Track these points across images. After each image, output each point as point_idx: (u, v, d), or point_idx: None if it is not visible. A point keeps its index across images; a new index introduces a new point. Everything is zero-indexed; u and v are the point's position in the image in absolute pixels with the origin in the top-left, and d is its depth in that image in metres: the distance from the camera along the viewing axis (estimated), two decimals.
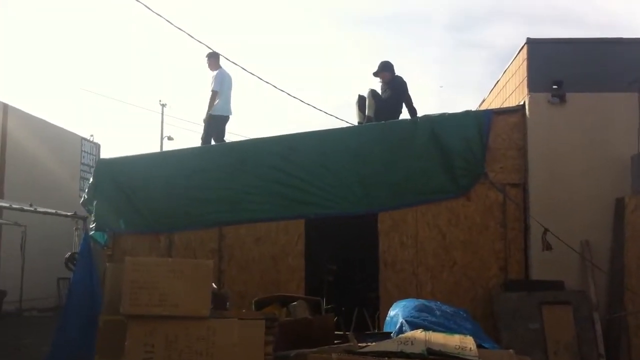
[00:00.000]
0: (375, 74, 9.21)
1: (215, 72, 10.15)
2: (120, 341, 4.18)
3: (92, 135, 26.07)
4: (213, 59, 10.33)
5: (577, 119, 7.70)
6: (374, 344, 4.54)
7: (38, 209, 9.17)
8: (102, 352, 4.66)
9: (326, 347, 4.45)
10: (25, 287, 14.35)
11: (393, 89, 8.99)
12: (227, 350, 3.96)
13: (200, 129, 10.42)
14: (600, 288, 7.31)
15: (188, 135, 66.97)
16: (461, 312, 5.63)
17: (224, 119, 10.10)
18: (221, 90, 10.02)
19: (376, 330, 7.49)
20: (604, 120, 7.68)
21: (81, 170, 24.79)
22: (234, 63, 10.42)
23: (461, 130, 7.72)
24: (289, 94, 11.16)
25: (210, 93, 10.03)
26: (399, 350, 4.22)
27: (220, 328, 4.00)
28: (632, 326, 7.01)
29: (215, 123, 9.88)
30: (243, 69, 10.46)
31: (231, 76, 10.34)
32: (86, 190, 8.12)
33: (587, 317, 7.11)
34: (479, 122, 7.76)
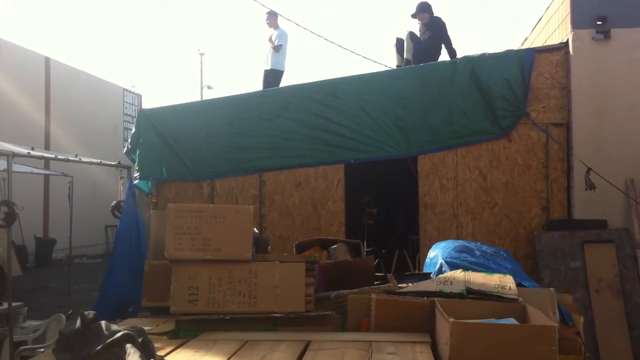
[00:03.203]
0: (414, 16, 9.06)
1: (277, 30, 10.77)
2: (165, 285, 4.31)
3: (133, 86, 26.38)
4: (273, 17, 10.93)
5: (622, 55, 7.48)
6: (413, 284, 4.58)
7: (83, 159, 9.37)
8: (148, 295, 4.83)
9: (366, 287, 4.52)
10: (75, 236, 14.84)
11: (432, 31, 8.84)
12: (269, 291, 4.05)
13: (239, 77, 10.78)
14: None
15: (227, 83, 66.92)
16: (501, 252, 5.61)
17: (281, 74, 10.59)
18: (284, 48, 10.64)
19: (417, 272, 7.58)
20: None
21: (124, 120, 25.23)
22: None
23: (502, 70, 7.58)
24: (326, 39, 11.19)
25: (271, 49, 10.61)
26: (438, 290, 4.25)
27: (262, 270, 4.09)
28: None
29: (275, 77, 10.37)
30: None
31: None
32: (129, 140, 8.28)
33: (630, 255, 7.04)
34: (521, 61, 7.59)
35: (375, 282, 4.95)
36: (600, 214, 7.31)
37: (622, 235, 7.13)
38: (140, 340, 3.28)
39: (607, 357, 6.64)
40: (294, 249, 5.59)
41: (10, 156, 7.47)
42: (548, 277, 6.97)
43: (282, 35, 10.70)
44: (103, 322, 3.49)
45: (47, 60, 21.07)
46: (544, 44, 8.61)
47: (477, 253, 5.31)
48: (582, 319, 4.47)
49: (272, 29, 10.88)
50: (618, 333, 6.75)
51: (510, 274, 4.61)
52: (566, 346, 3.91)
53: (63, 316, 6.22)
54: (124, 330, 3.36)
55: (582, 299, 6.71)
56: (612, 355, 6.66)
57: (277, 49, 10.55)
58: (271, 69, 10.51)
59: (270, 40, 10.70)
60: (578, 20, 7.59)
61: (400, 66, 8.83)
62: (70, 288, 13.64)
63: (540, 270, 7.09)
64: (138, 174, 7.99)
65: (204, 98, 30.62)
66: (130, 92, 26.08)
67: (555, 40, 8.21)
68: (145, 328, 3.70)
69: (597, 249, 7.07)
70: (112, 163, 9.00)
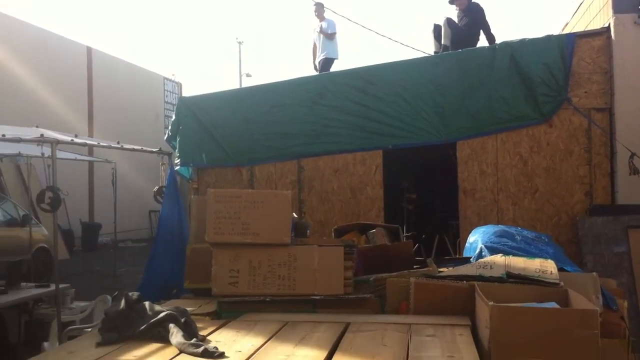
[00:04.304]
0: (451, 2, 8.99)
1: (326, 20, 11.47)
2: (206, 267, 4.39)
3: (173, 75, 26.73)
4: (321, 8, 11.62)
5: None
6: (452, 268, 4.58)
7: (125, 146, 9.56)
8: (190, 277, 4.95)
9: (405, 271, 4.54)
10: (119, 220, 15.19)
11: (470, 16, 8.75)
12: (308, 274, 4.10)
13: (276, 65, 11.22)
14: None
15: (265, 71, 67.19)
16: (543, 237, 5.56)
17: (333, 61, 11.25)
18: (334, 33, 11.31)
19: (456, 256, 7.56)
20: None
21: (165, 108, 25.58)
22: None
23: (542, 55, 7.47)
24: (363, 26, 11.53)
25: (322, 38, 11.30)
26: (477, 274, 4.24)
27: (301, 254, 4.13)
28: None
29: (329, 65, 10.94)
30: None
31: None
32: (169, 128, 8.40)
33: None
34: (561, 46, 7.48)
35: (415, 267, 4.95)
36: None
37: None
38: (183, 320, 3.37)
39: None
40: (333, 234, 5.63)
41: (54, 143, 7.67)
42: (591, 262, 6.88)
43: (332, 24, 11.33)
44: (147, 303, 3.58)
45: (89, 50, 21.47)
46: (585, 29, 8.45)
47: (518, 238, 5.27)
48: (626, 304, 4.41)
49: (320, 19, 11.49)
50: None
51: (552, 259, 4.57)
52: (610, 330, 3.87)
53: (109, 297, 6.40)
54: (167, 310, 3.45)
55: (627, 284, 6.60)
56: None
57: (331, 37, 11.17)
58: (325, 58, 11.04)
59: (321, 31, 11.27)
60: (619, 5, 7.47)
61: (438, 52, 8.78)
62: (115, 271, 13.97)
63: (583, 256, 7.00)
64: (179, 160, 8.11)
65: (243, 86, 30.84)
66: (170, 80, 26.42)
67: (596, 25, 8.08)
68: (188, 309, 3.79)
69: None
70: (154, 150, 9.15)
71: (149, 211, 22.66)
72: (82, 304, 7.96)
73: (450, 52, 8.29)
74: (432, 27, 9.04)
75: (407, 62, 8.05)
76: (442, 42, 8.65)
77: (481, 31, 8.72)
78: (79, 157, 14.46)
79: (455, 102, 7.60)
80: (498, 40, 8.42)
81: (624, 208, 7.21)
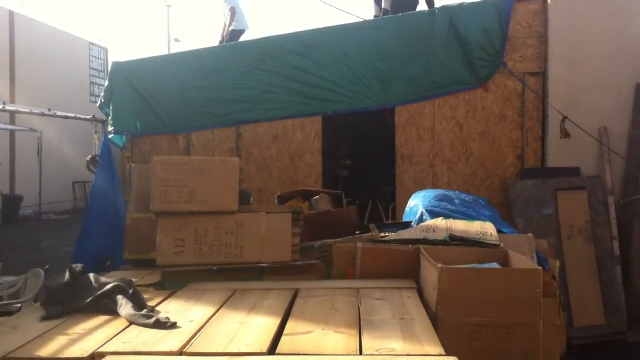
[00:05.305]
0: None
1: None
2: (147, 237, 4.32)
3: (99, 39, 25.75)
4: None
5: (599, 4, 7.48)
6: (396, 232, 4.64)
7: (57, 114, 9.18)
8: (130, 248, 4.82)
9: (349, 237, 4.57)
10: (42, 192, 14.64)
11: None
12: (255, 242, 4.08)
13: (207, 30, 10.68)
14: (616, 174, 7.35)
15: (194, 36, 65.55)
16: (480, 200, 5.70)
17: (242, 33, 10.44)
18: (237, 6, 10.43)
19: (391, 221, 7.66)
20: (625, 4, 7.46)
21: (90, 74, 24.71)
22: None
23: (480, 19, 7.53)
24: None
25: (228, 12, 10.42)
26: (421, 237, 4.33)
27: (248, 222, 4.10)
28: None
29: (237, 37, 10.12)
30: None
31: None
32: (102, 94, 8.12)
33: (601, 202, 7.18)
34: (499, 10, 7.54)
35: (357, 232, 4.99)
36: (573, 162, 7.42)
37: (594, 182, 7.26)
38: (130, 291, 3.30)
39: (578, 300, 6.84)
40: (276, 200, 5.60)
41: None
42: (521, 224, 7.08)
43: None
44: (91, 275, 3.49)
45: (11, 13, 20.46)
46: None
47: (457, 201, 5.38)
48: (557, 264, 4.57)
49: None
50: (588, 277, 6.93)
51: (489, 221, 4.69)
52: (542, 289, 4.03)
53: (41, 271, 6.16)
54: (114, 282, 3.36)
55: (554, 245, 6.83)
56: (582, 298, 6.85)
57: (232, 10, 10.39)
58: (232, 29, 10.37)
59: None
60: None
61: (378, 16, 8.74)
62: (40, 244, 13.53)
63: (513, 218, 7.19)
64: (112, 128, 7.87)
65: (172, 51, 30.07)
66: (96, 45, 25.49)
67: None
68: None
69: (570, 195, 7.20)
70: (87, 117, 8.85)
71: (72, 182, 21.98)
72: (11, 278, 7.66)
73: (390, 16, 8.26)
74: None
75: (347, 25, 8.01)
76: (382, 5, 8.61)
77: None
78: (1, 125, 13.83)
79: (395, 67, 7.60)
80: (437, 4, 8.45)
81: (553, 171, 7.45)
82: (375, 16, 8.90)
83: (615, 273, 6.98)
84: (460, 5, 7.65)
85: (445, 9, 7.69)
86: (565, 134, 7.11)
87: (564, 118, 7.11)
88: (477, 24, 7.51)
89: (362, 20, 9.36)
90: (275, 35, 7.89)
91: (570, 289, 6.87)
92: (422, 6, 8.66)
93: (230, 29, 10.34)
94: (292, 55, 7.66)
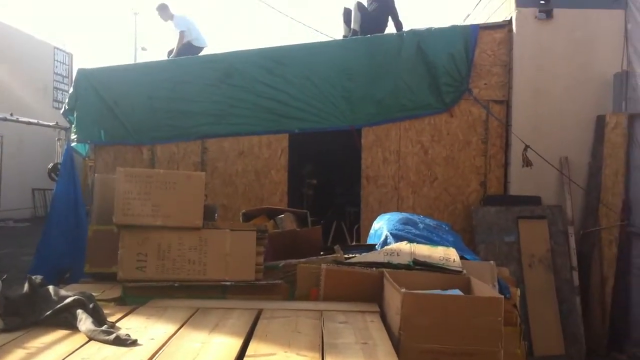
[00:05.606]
0: None
1: (173, 19, 10.53)
2: (109, 250, 4.22)
3: (64, 44, 25.36)
4: (164, 11, 10.72)
5: (563, 35, 7.66)
6: (360, 255, 4.65)
7: (20, 119, 8.99)
8: (91, 261, 4.70)
9: (314, 258, 4.55)
10: (1, 198, 14.26)
11: (379, 2, 8.83)
12: (219, 259, 4.02)
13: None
14: (576, 204, 7.51)
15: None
16: (443, 225, 5.74)
17: (201, 50, 10.41)
18: (188, 28, 10.35)
19: (354, 243, 7.68)
20: (589, 37, 7.65)
21: (54, 80, 24.31)
22: None
23: (447, 45, 7.67)
24: (273, 8, 11.03)
25: (177, 36, 10.31)
26: (386, 261, 4.33)
27: (212, 238, 4.05)
28: (605, 240, 7.23)
29: (196, 54, 10.03)
30: None
31: (186, 16, 10.63)
32: (66, 101, 8.00)
33: (562, 231, 7.32)
34: (466, 37, 7.70)
35: (321, 253, 4.97)
36: (534, 191, 7.56)
37: (555, 211, 7.40)
38: (91, 306, 3.23)
39: (537, 329, 6.93)
40: (241, 218, 5.56)
41: None
42: (483, 251, 7.18)
43: (179, 23, 10.43)
44: (51, 287, 3.41)
45: None
46: (487, 22, 8.75)
47: (421, 226, 5.41)
48: (518, 292, 4.62)
49: (169, 20, 10.70)
50: (548, 306, 7.03)
51: (452, 247, 4.73)
52: (504, 318, 4.06)
53: None
54: (74, 295, 3.29)
55: (515, 273, 6.93)
56: (541, 328, 6.94)
57: (181, 34, 10.28)
58: (191, 45, 10.35)
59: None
60: None
61: (347, 37, 8.82)
62: None
63: (476, 244, 7.29)
64: (75, 136, 7.75)
65: (138, 60, 29.82)
66: (61, 50, 25.09)
67: (498, 18, 8.32)
68: None
69: (531, 224, 7.32)
70: (50, 124, 8.68)
71: (32, 189, 21.52)
72: None
73: (359, 37, 8.34)
74: (342, 11, 9.07)
75: (316, 44, 8.06)
76: (352, 26, 8.69)
77: (390, 17, 8.82)
78: None
79: (362, 87, 7.68)
80: (405, 28, 8.55)
81: (516, 199, 7.58)
82: (344, 36, 8.98)
83: (575, 303, 7.10)
84: (429, 30, 7.77)
85: (413, 32, 7.80)
86: (527, 162, 7.24)
87: (527, 147, 7.24)
88: (444, 50, 7.64)
89: (332, 39, 9.43)
90: (244, 50, 7.90)
91: (530, 318, 6.97)
92: (390, 29, 8.76)
93: (184, 44, 10.26)
94: (260, 70, 7.68)
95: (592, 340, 7.11)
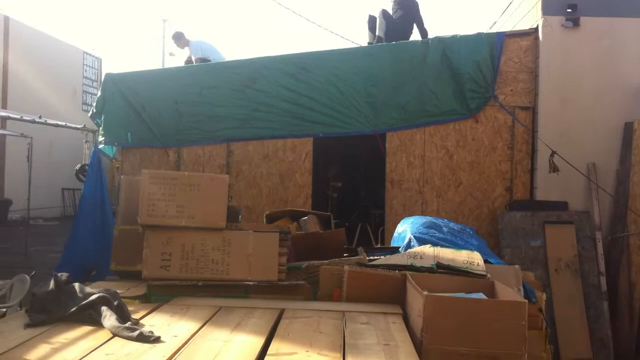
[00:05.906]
0: None
1: (189, 46, 10.68)
2: (134, 249, 4.29)
3: (93, 49, 25.76)
4: (179, 39, 10.89)
5: (589, 43, 7.59)
6: (384, 257, 4.65)
7: (48, 121, 9.16)
8: (117, 259, 4.78)
9: (337, 259, 4.56)
10: (31, 197, 14.55)
11: (404, 9, 8.86)
12: (242, 260, 4.06)
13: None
14: (603, 210, 7.42)
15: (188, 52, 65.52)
16: (467, 229, 5.72)
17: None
18: (205, 54, 10.33)
19: (379, 245, 7.68)
20: (616, 45, 7.58)
21: (83, 83, 24.69)
22: None
23: (473, 52, 7.64)
24: (294, 12, 11.14)
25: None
26: (409, 263, 4.33)
27: (235, 239, 4.09)
28: (633, 246, 7.14)
29: None
30: None
31: (203, 41, 10.69)
32: (94, 104, 8.13)
33: (589, 237, 7.24)
34: (491, 44, 7.67)
35: (345, 255, 4.98)
36: (561, 197, 7.48)
37: (582, 217, 7.32)
38: (115, 303, 3.27)
39: (565, 333, 6.85)
40: (264, 219, 5.60)
41: None
42: (509, 255, 7.13)
43: (195, 49, 10.57)
44: (77, 285, 3.46)
45: (7, 19, 20.45)
46: (513, 29, 8.71)
47: (445, 229, 5.40)
48: (544, 296, 4.58)
49: (183, 47, 10.91)
50: (575, 311, 6.96)
51: (477, 251, 4.71)
52: (529, 322, 4.03)
53: (27, 277, 6.10)
54: (99, 292, 3.34)
55: (542, 278, 6.88)
56: (569, 332, 6.87)
57: (198, 62, 10.27)
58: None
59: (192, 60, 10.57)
60: (549, 7, 7.65)
61: (371, 43, 8.84)
62: (27, 249, 13.39)
63: (501, 248, 7.24)
64: (103, 138, 7.87)
65: (166, 65, 30.16)
66: (90, 55, 25.49)
67: (524, 25, 8.29)
68: None
69: (558, 229, 7.25)
70: (78, 126, 8.82)
71: (62, 189, 21.90)
72: None
73: (384, 43, 8.36)
74: (367, 18, 9.10)
75: (341, 50, 8.07)
76: (377, 33, 8.72)
77: (415, 25, 8.83)
78: None
79: (386, 93, 7.69)
80: (430, 35, 8.56)
81: (542, 204, 7.51)
82: (369, 43, 9.01)
83: (603, 308, 7.02)
84: (454, 37, 7.75)
85: (438, 39, 7.79)
86: (554, 168, 7.17)
87: (553, 153, 7.18)
88: (470, 57, 7.62)
89: (357, 45, 9.45)
90: (269, 56, 7.95)
91: (557, 322, 6.90)
92: (415, 37, 8.76)
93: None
94: (284, 76, 7.74)
95: (620, 345, 7.02)
